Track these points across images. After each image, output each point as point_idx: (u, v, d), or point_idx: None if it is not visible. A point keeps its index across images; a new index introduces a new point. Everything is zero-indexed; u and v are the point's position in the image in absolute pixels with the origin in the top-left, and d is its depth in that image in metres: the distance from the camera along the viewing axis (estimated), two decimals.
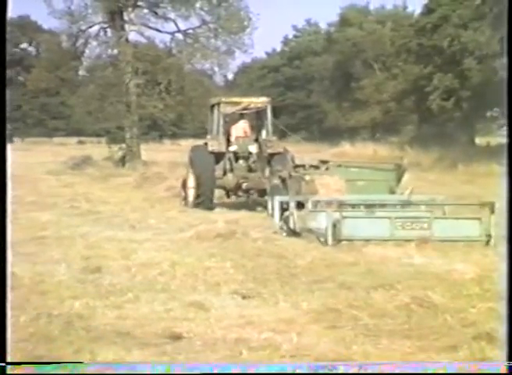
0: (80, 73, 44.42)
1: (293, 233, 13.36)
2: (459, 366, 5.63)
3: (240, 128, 19.83)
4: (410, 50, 43.62)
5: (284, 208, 14.27)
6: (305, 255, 11.22)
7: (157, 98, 37.77)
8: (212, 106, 20.18)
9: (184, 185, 19.64)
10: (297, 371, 5.58)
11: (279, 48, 76.28)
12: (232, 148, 19.35)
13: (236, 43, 38.96)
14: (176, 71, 39.58)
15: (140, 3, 38.47)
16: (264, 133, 19.77)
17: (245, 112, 19.93)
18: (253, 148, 19.30)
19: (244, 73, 72.91)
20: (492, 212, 12.25)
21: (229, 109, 19.66)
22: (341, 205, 12.83)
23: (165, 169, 28.75)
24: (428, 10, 42.39)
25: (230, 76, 59.04)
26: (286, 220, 13.85)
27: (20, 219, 16.22)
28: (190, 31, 39.15)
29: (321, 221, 12.68)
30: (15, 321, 7.51)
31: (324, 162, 17.04)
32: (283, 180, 16.25)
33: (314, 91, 64.43)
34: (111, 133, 44.60)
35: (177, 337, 6.90)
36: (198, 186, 18.46)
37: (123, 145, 37.59)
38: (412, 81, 43.46)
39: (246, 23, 38.62)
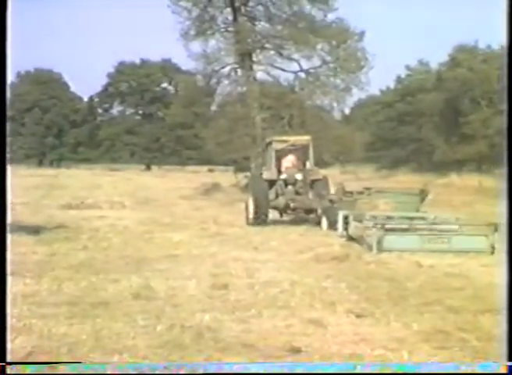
0: (212, 108, 45.08)
1: (351, 238, 15.95)
2: (459, 366, 5.30)
3: (289, 160, 21.87)
4: None
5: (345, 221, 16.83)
6: (415, 278, 11.06)
7: (280, 131, 37.92)
8: (267, 144, 22.90)
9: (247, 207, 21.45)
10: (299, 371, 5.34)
11: (392, 86, 75.59)
12: (283, 176, 21.43)
13: (354, 81, 38.97)
14: (297, 107, 39.77)
15: (267, 45, 38.99)
16: (307, 164, 22.03)
17: (292, 148, 21.98)
18: (299, 176, 21.32)
19: (360, 109, 72.45)
20: (496, 230, 14.20)
21: (280, 146, 21.99)
22: (385, 225, 14.83)
23: None
24: None
25: (347, 111, 58.69)
26: (346, 229, 16.53)
27: (156, 239, 16.62)
28: (312, 70, 39.42)
29: (370, 232, 14.85)
30: (152, 330, 7.68)
31: (367, 188, 20.03)
32: (332, 202, 19.14)
33: (424, 126, 63.38)
34: (238, 163, 45.01)
35: (296, 351, 6.86)
36: (256, 207, 20.44)
37: (248, 173, 37.89)
38: None
39: (363, 62, 38.58)
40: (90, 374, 5.29)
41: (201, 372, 5.38)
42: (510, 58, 5.57)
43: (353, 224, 16.23)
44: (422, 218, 17.29)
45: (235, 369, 5.31)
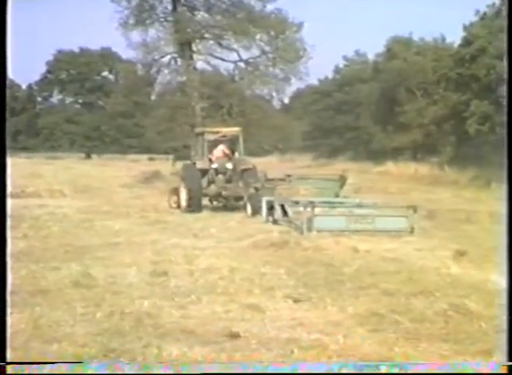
0: (152, 97, 44.79)
1: (276, 222, 16.97)
2: (459, 366, 5.41)
3: (220, 150, 22.70)
4: (449, 78, 42.99)
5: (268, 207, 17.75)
6: (351, 263, 11.18)
7: (220, 120, 37.83)
8: (198, 134, 23.74)
9: (174, 193, 22.22)
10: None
11: (330, 76, 76.10)
12: (214, 165, 22.24)
13: (293, 71, 39.03)
14: (237, 96, 39.81)
15: (206, 35, 38.78)
16: (237, 154, 22.71)
17: (223, 138, 22.79)
18: (229, 165, 22.20)
19: (299, 98, 72.72)
20: (415, 212, 15.62)
21: (211, 136, 22.75)
22: (313, 206, 15.39)
23: None
24: (466, 42, 41.68)
25: (286, 101, 58.84)
26: (271, 213, 17.40)
27: (96, 227, 16.46)
28: (251, 60, 39.35)
29: (297, 215, 15.83)
30: (91, 317, 7.61)
31: (289, 175, 20.81)
32: (257, 190, 19.75)
33: (361, 115, 63.94)
34: (178, 151, 44.77)
35: (235, 336, 6.87)
36: (190, 195, 21.11)
37: (188, 162, 37.69)
38: (451, 107, 42.79)
39: (301, 53, 38.64)
40: (90, 374, 5.26)
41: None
42: (510, 57, 5.64)
43: (278, 209, 17.10)
44: (343, 203, 18.10)
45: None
